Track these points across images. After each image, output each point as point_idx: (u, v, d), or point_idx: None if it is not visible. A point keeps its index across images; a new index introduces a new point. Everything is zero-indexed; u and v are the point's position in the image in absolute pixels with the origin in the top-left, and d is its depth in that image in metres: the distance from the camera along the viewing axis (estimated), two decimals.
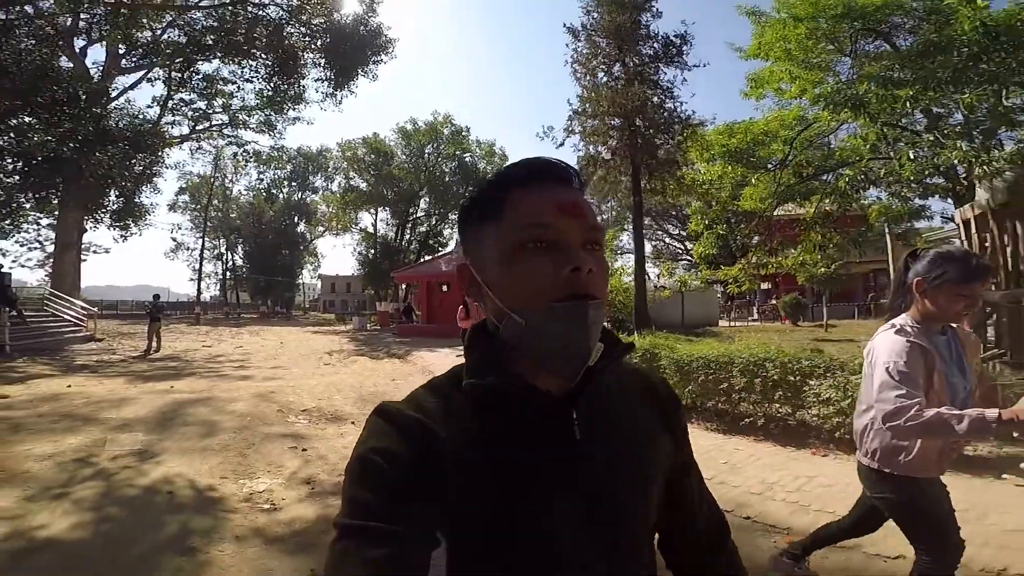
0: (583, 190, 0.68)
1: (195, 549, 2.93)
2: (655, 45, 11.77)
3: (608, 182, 16.67)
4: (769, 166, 12.99)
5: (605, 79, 11.67)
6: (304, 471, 4.32)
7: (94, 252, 27.29)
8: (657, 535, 0.77)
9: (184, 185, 46.20)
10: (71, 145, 12.12)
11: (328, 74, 18.05)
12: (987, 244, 5.97)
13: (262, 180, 52.35)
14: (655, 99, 11.02)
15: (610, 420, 0.68)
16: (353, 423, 6.05)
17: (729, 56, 14.52)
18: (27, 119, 12.41)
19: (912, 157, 8.72)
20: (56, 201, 18.91)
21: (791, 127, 12.49)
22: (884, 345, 1.68)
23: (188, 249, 50.39)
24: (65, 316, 15.53)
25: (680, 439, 0.77)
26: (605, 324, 0.66)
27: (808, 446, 4.53)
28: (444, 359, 12.58)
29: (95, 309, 17.00)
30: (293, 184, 53.63)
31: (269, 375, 9.62)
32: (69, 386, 7.78)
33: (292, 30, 18.35)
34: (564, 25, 13.51)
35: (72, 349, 13.03)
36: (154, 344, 13.69)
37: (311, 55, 18.37)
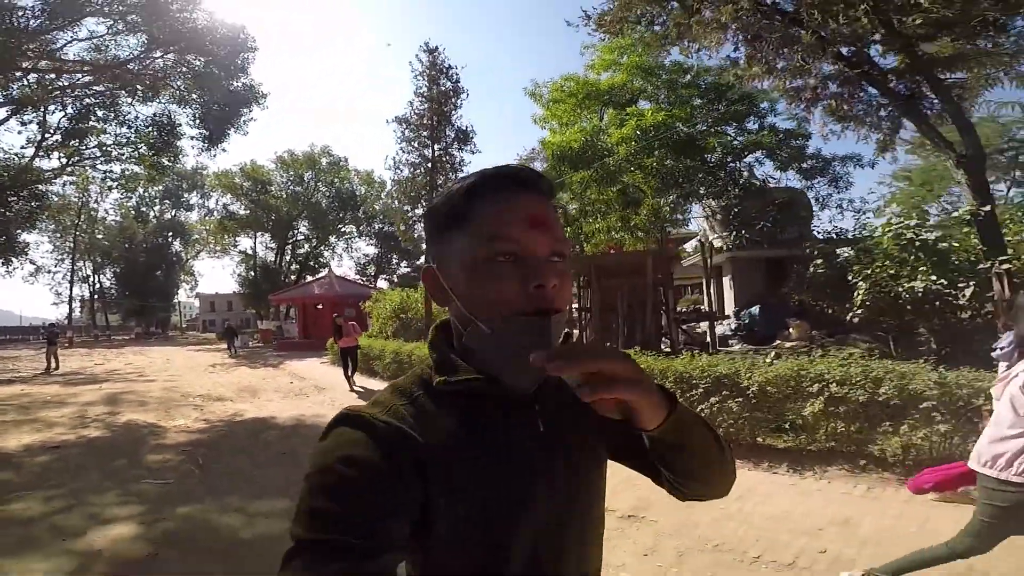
0: (552, 196, 0.69)
1: (158, 433, 7.28)
2: (454, 133, 17.12)
3: None
4: None
5: (419, 161, 16.72)
6: (202, 417, 8.61)
7: None
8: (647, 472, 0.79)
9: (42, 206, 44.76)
10: None
11: (202, 132, 21.34)
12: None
13: (131, 198, 51.59)
14: (442, 181, 16.15)
15: (563, 410, 0.70)
16: (232, 401, 10.25)
17: None
18: None
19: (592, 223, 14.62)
20: None
21: None
22: None
23: (49, 272, 48.48)
24: None
25: None
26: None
27: None
28: (308, 365, 16.75)
29: None
30: (166, 202, 53.32)
31: (167, 380, 13.38)
32: (23, 389, 11.18)
33: (170, 87, 21.40)
34: (387, 120, 18.27)
35: None
36: (53, 363, 16.38)
37: (186, 119, 21.60)
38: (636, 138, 12.11)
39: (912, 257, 6.30)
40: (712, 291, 19.20)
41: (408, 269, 41.70)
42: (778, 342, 11.68)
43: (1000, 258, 5.59)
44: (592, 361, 0.54)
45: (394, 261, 42.63)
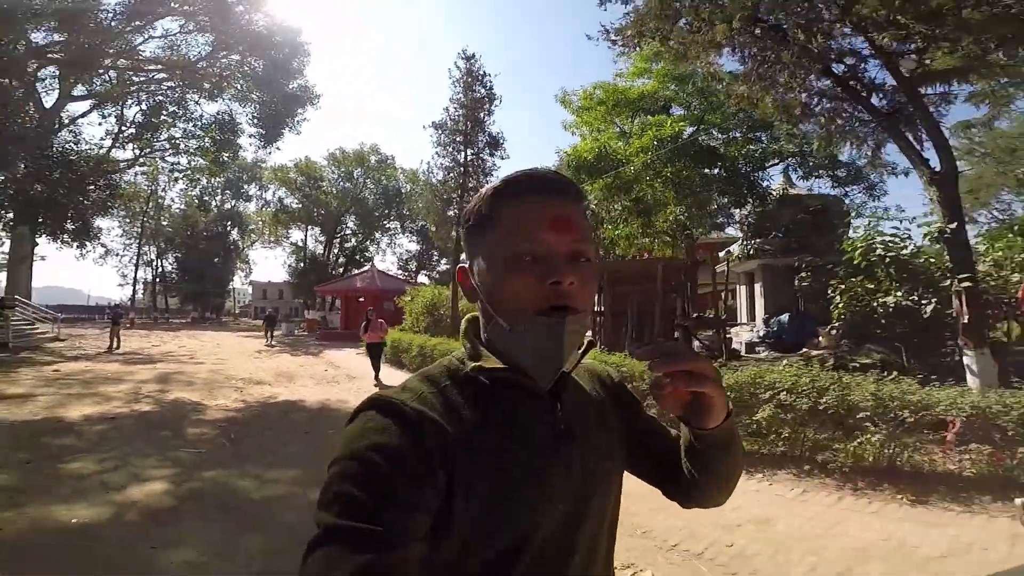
0: (579, 200, 0.71)
1: (200, 410, 8.19)
2: (486, 138, 17.67)
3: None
4: None
5: (452, 164, 17.39)
6: (241, 398, 9.51)
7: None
8: (660, 486, 0.87)
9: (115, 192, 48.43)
10: (61, 191, 16.26)
11: (259, 131, 22.86)
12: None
13: (195, 188, 54.89)
14: (473, 185, 16.77)
15: (582, 410, 0.75)
16: (269, 385, 11.19)
17: None
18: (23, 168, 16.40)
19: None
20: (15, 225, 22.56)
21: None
22: None
23: (117, 255, 52.24)
24: (33, 319, 19.47)
25: (636, 411, 0.86)
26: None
27: None
28: (345, 354, 17.74)
29: (60, 315, 20.81)
30: (227, 192, 56.41)
31: (215, 363, 14.59)
32: (86, 366, 12.54)
33: (230, 89, 22.97)
34: (424, 126, 19.25)
35: (50, 347, 17.17)
36: (115, 343, 17.97)
37: (245, 118, 23.17)
38: (653, 148, 12.32)
39: (883, 273, 6.44)
40: (743, 297, 19.10)
41: (448, 266, 42.69)
42: (804, 350, 11.64)
43: (959, 276, 5.68)
44: (689, 362, 0.62)
45: (434, 258, 43.79)
